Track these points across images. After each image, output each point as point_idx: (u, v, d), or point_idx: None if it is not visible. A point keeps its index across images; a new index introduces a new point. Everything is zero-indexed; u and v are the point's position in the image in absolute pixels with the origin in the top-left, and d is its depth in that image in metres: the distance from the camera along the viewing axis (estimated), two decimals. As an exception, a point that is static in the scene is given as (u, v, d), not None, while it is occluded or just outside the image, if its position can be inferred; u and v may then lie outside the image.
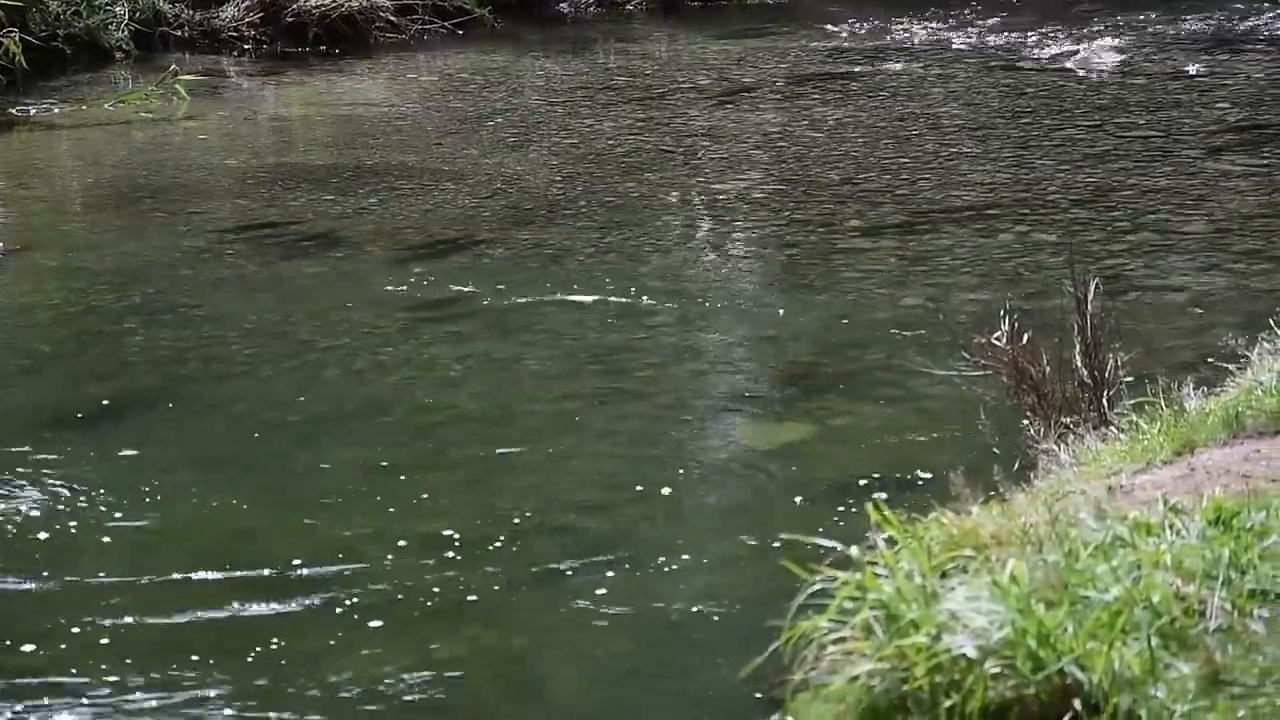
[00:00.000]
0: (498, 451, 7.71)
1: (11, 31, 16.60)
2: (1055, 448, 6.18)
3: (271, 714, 5.55)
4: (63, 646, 5.98)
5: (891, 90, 15.82)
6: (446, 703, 5.67)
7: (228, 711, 5.57)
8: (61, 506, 7.17)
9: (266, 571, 6.52)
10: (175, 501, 7.19)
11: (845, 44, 18.38)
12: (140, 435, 7.98)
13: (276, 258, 10.98)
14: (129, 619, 6.15)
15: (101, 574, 6.54)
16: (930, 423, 7.83)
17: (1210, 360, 7.55)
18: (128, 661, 5.86)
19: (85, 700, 5.65)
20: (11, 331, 9.74)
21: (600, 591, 6.35)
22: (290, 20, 18.79)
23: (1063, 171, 12.51)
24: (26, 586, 6.49)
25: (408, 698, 5.67)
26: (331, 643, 5.96)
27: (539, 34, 19.66)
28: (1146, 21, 18.77)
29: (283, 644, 5.94)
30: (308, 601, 6.28)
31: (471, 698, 5.69)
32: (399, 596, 6.30)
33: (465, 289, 10.13)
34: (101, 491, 7.28)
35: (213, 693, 5.67)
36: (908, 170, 12.76)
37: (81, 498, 7.23)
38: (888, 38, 18.61)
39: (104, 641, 5.99)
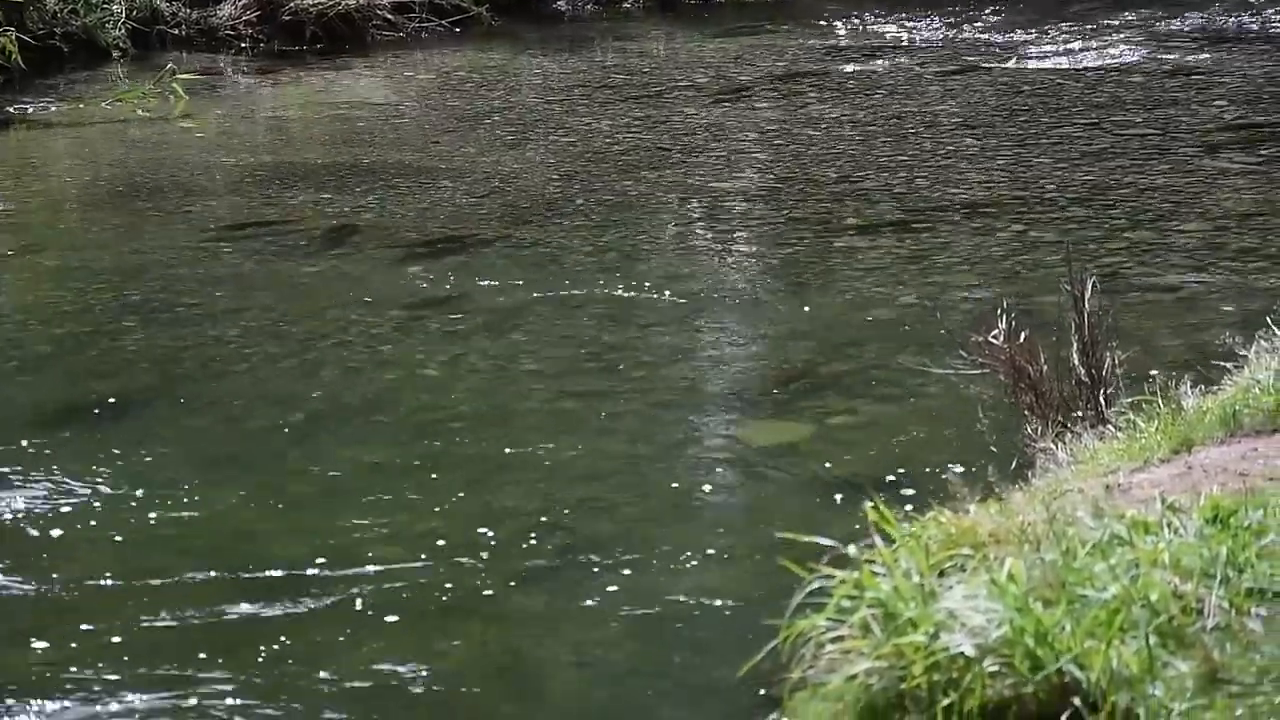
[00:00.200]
0: (495, 450, 7.71)
1: (9, 30, 16.61)
2: (1053, 446, 6.18)
3: (270, 713, 5.55)
4: (61, 646, 5.97)
5: (889, 88, 15.82)
6: (445, 702, 5.67)
7: (226, 711, 5.57)
8: (59, 505, 7.17)
9: (264, 570, 6.52)
10: (173, 500, 7.19)
11: (842, 42, 18.38)
12: (138, 434, 7.98)
13: (274, 256, 10.98)
14: (126, 618, 6.15)
15: (98, 572, 6.54)
16: (928, 421, 7.83)
17: (1208, 358, 7.55)
18: (125, 659, 5.86)
19: (82, 700, 5.65)
20: (9, 330, 9.74)
21: (598, 590, 6.35)
22: (287, 18, 18.79)
23: (1060, 169, 12.52)
24: (24, 586, 6.49)
25: (407, 697, 5.67)
26: (330, 642, 5.96)
27: (536, 32, 19.66)
28: (1143, 19, 18.77)
29: (280, 643, 5.94)
30: (306, 600, 6.28)
31: (469, 697, 5.69)
32: (397, 595, 6.30)
33: (463, 287, 10.13)
34: (99, 490, 7.28)
35: (210, 692, 5.67)
36: (905, 168, 12.76)
37: (78, 496, 7.23)
38: (885, 36, 18.62)
39: (101, 641, 5.99)
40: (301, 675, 5.75)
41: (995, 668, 3.87)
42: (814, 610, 4.16)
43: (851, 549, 4.21)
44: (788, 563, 4.29)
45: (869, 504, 4.35)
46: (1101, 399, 6.56)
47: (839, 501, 6.90)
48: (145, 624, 6.11)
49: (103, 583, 6.45)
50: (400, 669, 5.79)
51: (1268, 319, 6.90)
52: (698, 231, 11.59)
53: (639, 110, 15.22)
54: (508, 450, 7.70)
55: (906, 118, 14.51)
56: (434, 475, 7.48)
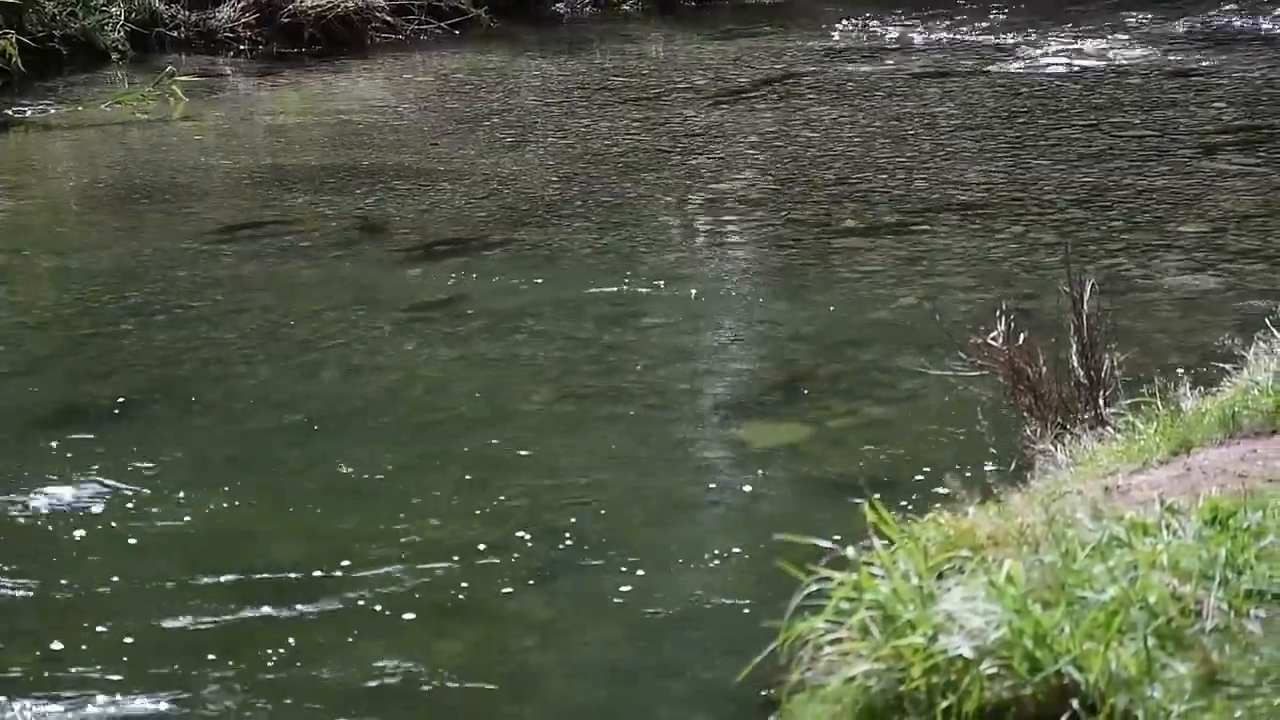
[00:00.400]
0: (495, 451, 7.71)
1: (8, 32, 16.60)
2: (1052, 448, 6.18)
3: (269, 714, 5.55)
4: (60, 648, 5.97)
5: (887, 90, 15.83)
6: (445, 703, 5.67)
7: (225, 712, 5.57)
8: (58, 508, 7.17)
9: (263, 572, 6.52)
10: (172, 501, 7.19)
11: (841, 43, 18.39)
12: (137, 436, 7.98)
13: (273, 258, 10.99)
14: (124, 620, 6.15)
15: (97, 574, 6.54)
16: (926, 423, 7.83)
17: (1206, 360, 7.56)
18: (122, 661, 5.86)
19: (81, 702, 5.65)
20: (8, 332, 9.74)
21: (597, 592, 6.35)
22: (286, 21, 18.79)
23: (1059, 171, 12.52)
24: (24, 587, 6.49)
25: (407, 698, 5.67)
26: (330, 643, 5.96)
27: (535, 34, 19.66)
28: (1142, 21, 18.77)
29: (279, 645, 5.94)
30: (305, 602, 6.28)
31: (469, 698, 5.69)
32: (397, 597, 6.30)
33: (462, 289, 10.13)
34: (98, 492, 7.28)
35: (209, 694, 5.67)
36: (903, 170, 12.76)
37: (78, 498, 7.23)
38: (883, 37, 18.62)
39: (97, 643, 5.99)
40: (301, 676, 5.74)
41: (994, 670, 3.87)
42: (812, 612, 4.15)
43: (850, 551, 4.21)
44: (786, 564, 4.29)
45: (867, 506, 4.35)
46: (1100, 400, 6.56)
47: (837, 503, 6.89)
48: (144, 625, 6.11)
49: (101, 584, 6.45)
50: (401, 671, 5.79)
51: (1267, 320, 6.89)
52: (697, 233, 11.59)
53: (638, 112, 15.22)
54: (507, 451, 7.70)
55: (905, 119, 14.51)
56: (434, 477, 7.47)
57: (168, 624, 6.14)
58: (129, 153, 14.49)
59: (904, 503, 4.75)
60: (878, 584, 4.09)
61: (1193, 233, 10.84)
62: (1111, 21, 18.76)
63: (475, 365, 8.95)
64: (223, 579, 6.47)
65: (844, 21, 19.39)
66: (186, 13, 18.84)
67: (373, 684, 5.71)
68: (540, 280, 10.22)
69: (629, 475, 7.44)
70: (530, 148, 13.96)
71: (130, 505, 7.16)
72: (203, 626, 6.13)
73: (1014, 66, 16.71)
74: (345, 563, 6.58)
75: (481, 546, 6.71)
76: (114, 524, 7.00)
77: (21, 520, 7.09)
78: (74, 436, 7.95)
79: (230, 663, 5.82)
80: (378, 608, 6.22)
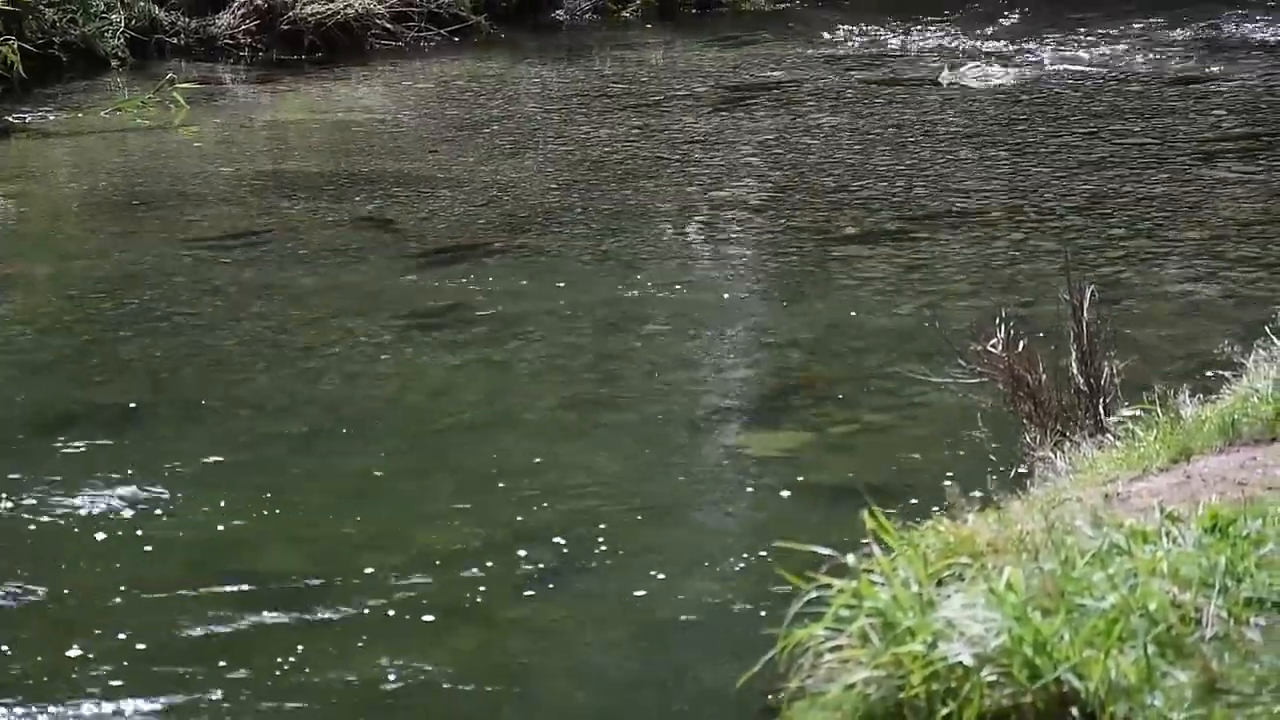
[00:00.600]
0: (494, 458, 7.71)
1: (8, 39, 16.60)
2: (1051, 455, 6.18)
3: (272, 718, 5.56)
4: (60, 654, 5.97)
5: (887, 97, 15.83)
6: (444, 710, 5.66)
7: (229, 716, 5.56)
8: (61, 514, 7.17)
9: (262, 578, 6.52)
10: (175, 508, 7.18)
11: (840, 51, 18.39)
12: (138, 443, 7.98)
13: (273, 265, 10.98)
14: (124, 626, 6.14)
15: (98, 581, 6.53)
16: (926, 430, 7.82)
17: (1206, 367, 7.56)
18: (125, 664, 5.85)
19: (81, 708, 5.64)
20: (8, 339, 9.74)
21: (596, 599, 6.35)
22: (286, 28, 18.79)
23: (1058, 178, 12.52)
24: (30, 593, 6.48)
25: (408, 702, 5.66)
26: (331, 648, 5.96)
27: (535, 41, 19.67)
28: (1142, 28, 18.78)
29: (282, 650, 5.93)
30: (306, 608, 6.28)
31: (467, 705, 5.69)
32: (396, 603, 6.29)
33: (462, 296, 10.13)
34: (100, 499, 7.27)
35: (208, 700, 5.66)
36: (903, 177, 12.76)
37: (80, 505, 7.22)
38: (883, 45, 18.62)
39: (95, 649, 5.98)
40: (304, 681, 5.74)
41: (993, 677, 3.87)
42: (812, 619, 4.15)
43: (850, 558, 4.21)
44: (785, 572, 4.29)
45: (867, 513, 4.35)
46: (1100, 408, 6.56)
47: (837, 510, 6.89)
48: (143, 631, 6.10)
49: (100, 590, 6.45)
50: (403, 675, 5.78)
51: (1266, 328, 6.90)
52: (697, 240, 11.59)
53: (638, 119, 15.22)
54: (508, 458, 7.70)
55: (905, 127, 14.52)
56: (434, 483, 7.47)
57: (172, 630, 6.13)
58: (129, 159, 14.49)
59: (904, 510, 4.75)
60: (877, 591, 4.09)
61: (1192, 240, 10.84)
62: (1111, 29, 18.77)
63: (475, 372, 8.95)
64: (225, 585, 6.47)
65: (844, 29, 19.39)
66: (186, 20, 18.84)
67: (375, 689, 5.71)
68: (540, 287, 10.22)
69: (629, 482, 7.43)
70: (530, 155, 13.96)
71: (131, 512, 7.15)
72: (205, 632, 6.13)
73: (1013, 74, 16.70)
74: (346, 569, 6.58)
75: (482, 553, 6.71)
76: (116, 530, 6.99)
77: (26, 526, 7.08)
78: (76, 443, 7.95)
79: (233, 668, 5.82)
80: (379, 613, 6.22)
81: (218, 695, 5.69)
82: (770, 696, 4.47)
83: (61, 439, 8.00)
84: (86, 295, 10.38)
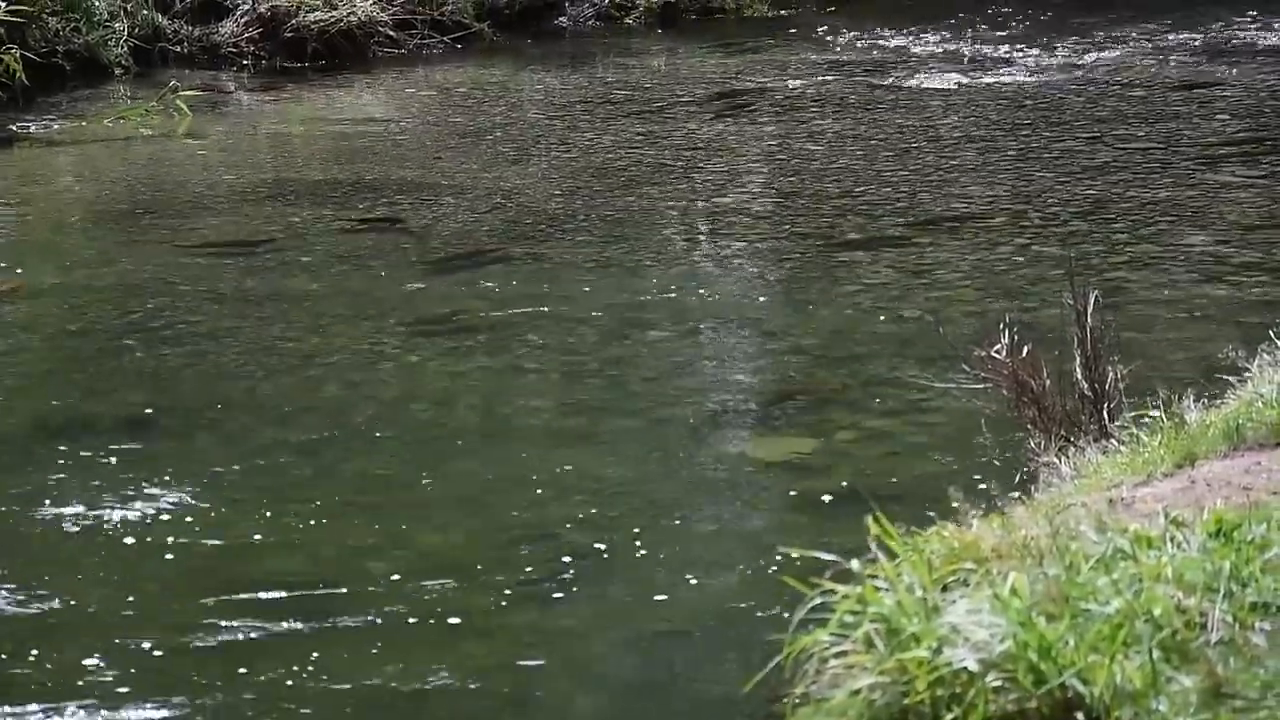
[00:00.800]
0: (497, 465, 7.71)
1: (12, 48, 16.61)
2: (1056, 460, 6.17)
3: (272, 730, 5.56)
4: (62, 661, 5.97)
5: (890, 103, 15.83)
6: (450, 713, 5.66)
7: (229, 727, 5.57)
8: (61, 523, 7.17)
9: (264, 585, 6.52)
10: (177, 517, 7.18)
11: (843, 57, 18.39)
12: (141, 451, 7.98)
13: (276, 272, 10.98)
14: (133, 631, 6.15)
15: (105, 588, 6.54)
16: (930, 436, 7.82)
17: (1211, 372, 7.55)
18: (135, 671, 5.85)
19: (94, 715, 5.64)
20: (12, 347, 9.74)
21: (600, 606, 6.35)
22: (289, 36, 18.80)
23: (1062, 184, 12.52)
24: (34, 600, 6.48)
25: (412, 708, 5.66)
26: (329, 657, 5.96)
27: (538, 48, 19.68)
28: (1145, 33, 18.78)
29: (280, 659, 5.93)
30: (306, 616, 6.28)
31: (473, 710, 5.69)
32: (399, 611, 6.29)
33: (465, 302, 10.13)
34: (102, 508, 7.27)
35: (217, 706, 5.66)
36: (907, 183, 12.76)
37: (82, 514, 7.23)
38: (886, 50, 18.62)
39: (102, 655, 5.99)
40: (306, 687, 5.74)
41: (998, 682, 3.86)
42: (817, 625, 4.15)
43: (854, 564, 4.20)
44: (790, 577, 4.28)
45: (871, 518, 4.35)
46: (1104, 413, 6.55)
47: (841, 516, 6.89)
48: (142, 638, 6.10)
49: (108, 597, 6.45)
50: (400, 683, 5.78)
51: (1270, 332, 6.89)
52: (700, 246, 11.59)
53: (641, 125, 15.23)
54: (511, 465, 7.70)
55: (908, 132, 14.51)
56: (438, 490, 7.48)
57: (181, 635, 6.13)
58: (132, 168, 14.50)
59: (908, 515, 4.74)
60: (882, 597, 4.08)
61: (1196, 245, 10.83)
62: (1115, 34, 18.77)
63: (479, 378, 8.95)
64: (233, 592, 6.47)
65: (846, 35, 19.40)
66: (190, 28, 18.86)
67: (372, 697, 5.70)
68: (543, 293, 10.22)
69: (634, 488, 7.43)
70: (533, 161, 13.97)
71: (136, 519, 7.15)
72: (213, 638, 6.13)
73: (1016, 79, 16.70)
74: (351, 574, 6.58)
75: (482, 560, 6.71)
76: (123, 538, 6.99)
77: (35, 533, 7.09)
78: (80, 452, 7.95)
79: (242, 674, 5.82)
80: (385, 619, 6.22)
81: (226, 701, 5.69)
82: (775, 702, 4.47)
83: (67, 447, 8.00)
84: (91, 303, 10.38)
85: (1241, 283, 10.02)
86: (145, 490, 7.45)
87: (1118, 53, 17.79)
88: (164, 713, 5.67)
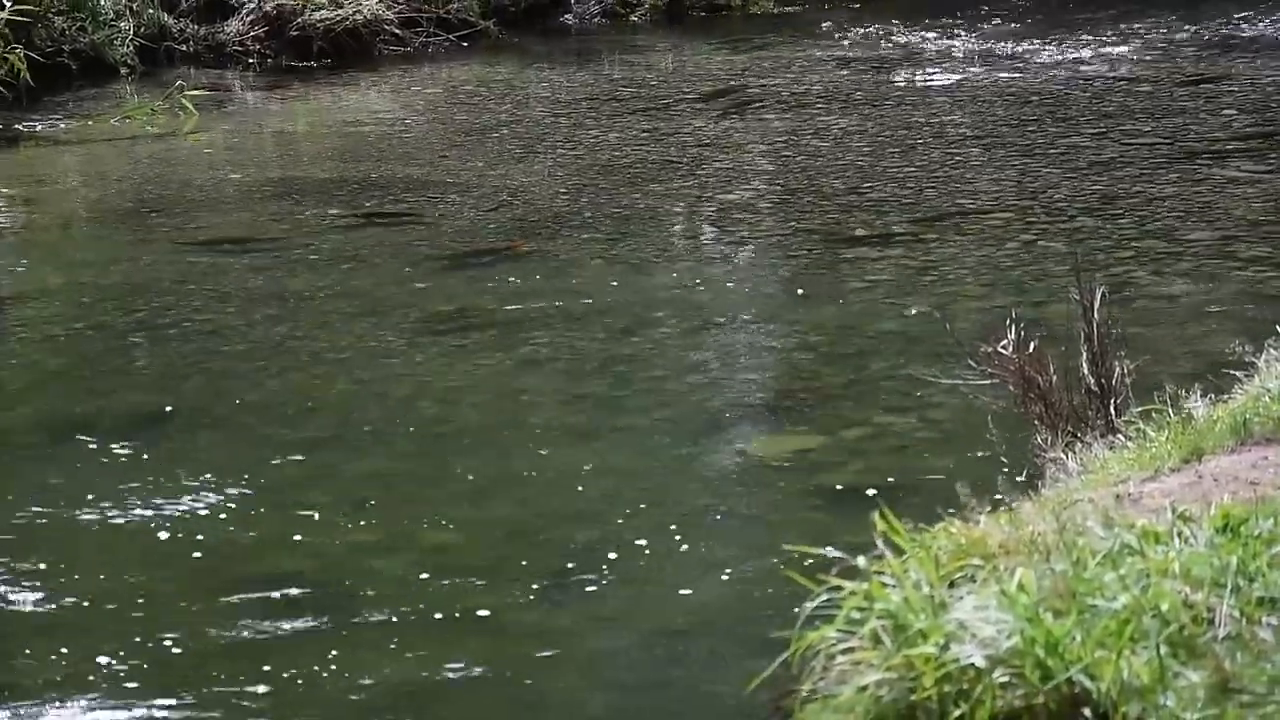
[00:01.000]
0: (504, 463, 7.71)
1: (17, 47, 16.63)
2: (1062, 456, 6.16)
3: (280, 728, 5.56)
4: (69, 659, 5.98)
5: (896, 99, 15.82)
6: (454, 714, 5.66)
7: (236, 726, 5.58)
8: (67, 521, 7.18)
9: (269, 584, 6.53)
10: (185, 514, 7.19)
11: (849, 53, 18.38)
12: (146, 450, 7.98)
13: (283, 271, 10.99)
14: (131, 632, 6.15)
15: (111, 586, 6.54)
16: (937, 432, 7.82)
17: (1218, 367, 7.53)
18: (146, 668, 5.86)
19: (108, 712, 5.65)
20: (19, 346, 9.75)
21: (607, 602, 6.35)
22: (295, 34, 18.81)
23: (1069, 179, 12.51)
24: (47, 598, 6.49)
25: (416, 708, 5.66)
26: (335, 655, 5.96)
27: (544, 45, 19.68)
28: (1152, 28, 18.76)
29: (285, 657, 5.94)
30: (312, 614, 6.28)
31: (478, 709, 5.69)
32: (404, 609, 6.30)
33: (471, 300, 10.13)
34: (107, 506, 7.28)
35: (213, 707, 5.67)
36: (913, 179, 12.76)
37: (87, 513, 7.23)
38: (891, 47, 18.62)
39: (104, 654, 5.99)
40: (304, 687, 5.74)
41: (1006, 678, 3.86)
42: (823, 622, 4.14)
43: (861, 560, 4.20)
44: (797, 574, 4.28)
45: (878, 515, 4.34)
46: (1111, 408, 6.54)
47: (848, 512, 6.88)
48: (150, 636, 6.11)
49: (119, 595, 6.46)
50: (405, 682, 5.78)
51: (1278, 327, 6.88)
52: (706, 243, 11.59)
53: (647, 122, 15.22)
54: (517, 463, 7.70)
55: (914, 128, 14.51)
56: (445, 488, 7.48)
57: (171, 635, 6.14)
58: (138, 166, 14.51)
59: (915, 512, 4.73)
60: (889, 593, 4.08)
61: (1203, 240, 10.82)
62: (1121, 29, 18.75)
63: (485, 377, 8.95)
64: (241, 590, 6.48)
65: (852, 31, 19.39)
66: (195, 27, 18.87)
67: (377, 696, 5.71)
68: (549, 291, 10.22)
69: (639, 485, 7.43)
70: (539, 159, 13.97)
71: (146, 517, 7.16)
72: (221, 637, 6.14)
73: (1023, 74, 16.70)
74: (358, 573, 6.59)
75: (488, 558, 6.71)
76: (132, 536, 7.01)
77: (45, 533, 7.09)
78: (87, 451, 7.96)
79: (231, 675, 5.82)
80: (391, 618, 6.22)
81: (233, 700, 5.69)
82: (783, 699, 4.47)
83: (73, 446, 8.01)
84: (97, 302, 10.39)
85: (1249, 278, 10.01)
86: (154, 488, 7.46)
87: (1124, 48, 17.77)
88: (179, 709, 5.67)
